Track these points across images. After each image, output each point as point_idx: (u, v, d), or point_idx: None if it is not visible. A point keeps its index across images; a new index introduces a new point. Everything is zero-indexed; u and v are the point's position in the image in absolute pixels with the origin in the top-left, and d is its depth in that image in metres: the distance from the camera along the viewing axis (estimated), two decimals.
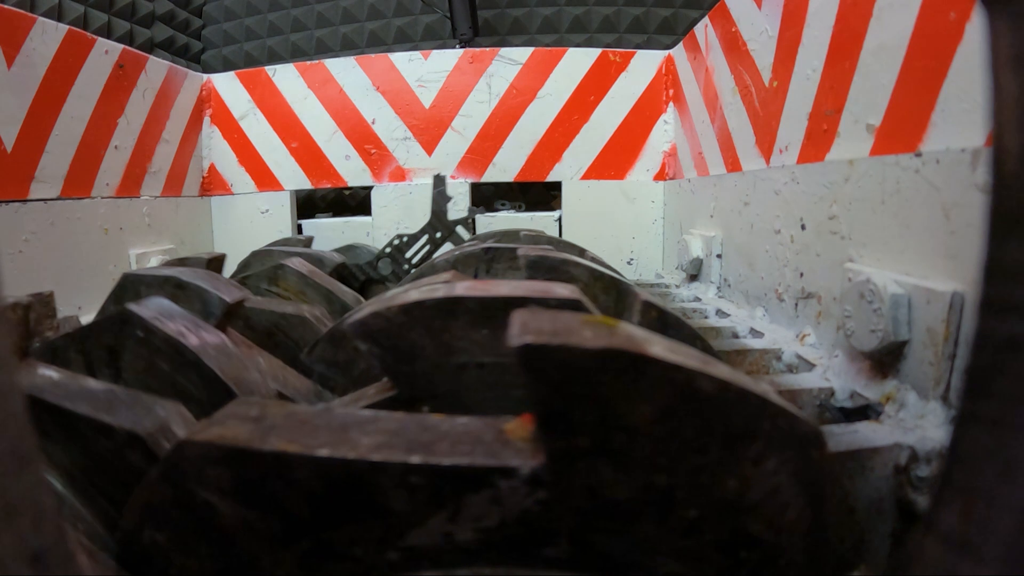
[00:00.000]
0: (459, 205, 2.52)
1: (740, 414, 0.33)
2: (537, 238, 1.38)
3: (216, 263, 1.17)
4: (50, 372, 0.54)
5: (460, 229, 1.73)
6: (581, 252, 1.33)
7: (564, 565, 0.37)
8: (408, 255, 1.71)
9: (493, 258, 0.85)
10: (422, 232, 1.72)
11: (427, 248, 1.72)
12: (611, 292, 0.77)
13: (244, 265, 1.51)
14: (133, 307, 0.67)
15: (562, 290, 0.53)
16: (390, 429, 0.36)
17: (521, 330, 0.32)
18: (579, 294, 0.53)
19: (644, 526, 0.36)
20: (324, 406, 0.40)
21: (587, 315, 0.36)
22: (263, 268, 1.21)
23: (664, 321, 0.68)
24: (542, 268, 0.79)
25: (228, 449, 0.35)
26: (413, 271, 1.15)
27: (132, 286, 0.89)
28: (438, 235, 1.72)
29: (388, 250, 1.69)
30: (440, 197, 1.72)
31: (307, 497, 0.34)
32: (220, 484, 0.35)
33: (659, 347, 0.33)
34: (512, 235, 1.42)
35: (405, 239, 1.70)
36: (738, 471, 0.35)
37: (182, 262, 1.15)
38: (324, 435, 0.35)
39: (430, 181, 1.80)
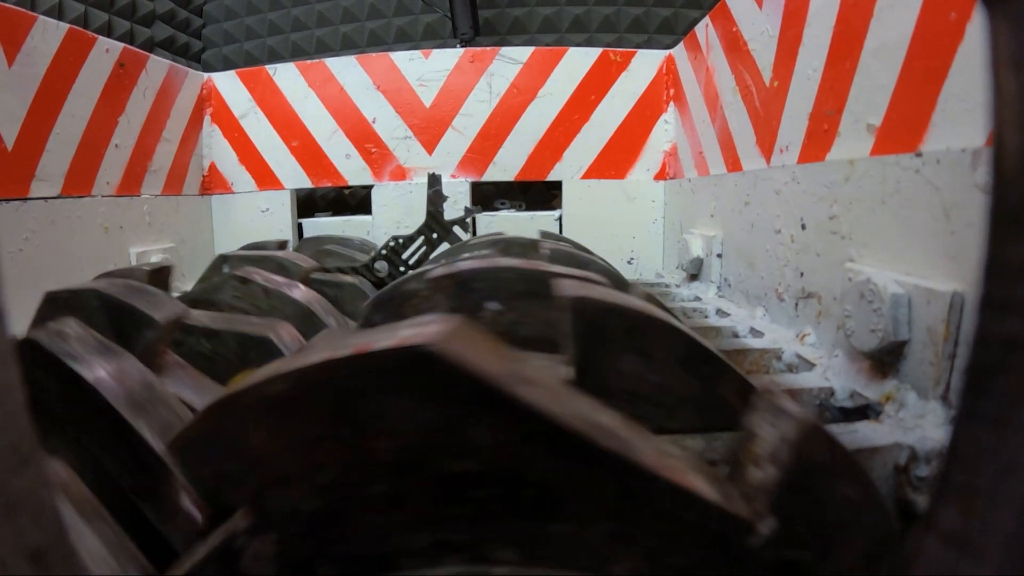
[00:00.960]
0: (460, 204, 2.52)
1: (325, 390, 0.33)
2: (454, 250, 1.39)
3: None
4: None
5: (457, 229, 1.72)
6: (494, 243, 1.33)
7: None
8: (404, 256, 1.70)
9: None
10: (418, 233, 1.70)
11: (423, 249, 1.71)
12: (452, 289, 0.77)
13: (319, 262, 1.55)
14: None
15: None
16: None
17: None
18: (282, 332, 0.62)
19: (347, 521, 0.37)
20: None
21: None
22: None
23: (457, 279, 0.69)
24: (386, 305, 0.79)
25: None
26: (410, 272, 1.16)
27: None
28: (434, 236, 1.70)
29: (384, 252, 1.68)
30: (435, 197, 1.70)
31: None
32: None
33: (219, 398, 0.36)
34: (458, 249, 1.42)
35: (401, 240, 1.69)
36: (372, 430, 0.34)
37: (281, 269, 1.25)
38: None
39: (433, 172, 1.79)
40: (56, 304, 0.75)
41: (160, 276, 0.92)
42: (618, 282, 1.05)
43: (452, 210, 2.00)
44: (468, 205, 2.25)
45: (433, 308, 0.71)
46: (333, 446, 0.35)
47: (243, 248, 1.71)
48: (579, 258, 1.09)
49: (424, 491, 0.36)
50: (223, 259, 1.33)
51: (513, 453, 0.34)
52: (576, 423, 0.34)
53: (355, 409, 0.34)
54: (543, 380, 0.36)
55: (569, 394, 0.36)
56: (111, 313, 0.69)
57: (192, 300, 1.03)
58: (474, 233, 2.56)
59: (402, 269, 1.69)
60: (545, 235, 1.55)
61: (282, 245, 1.66)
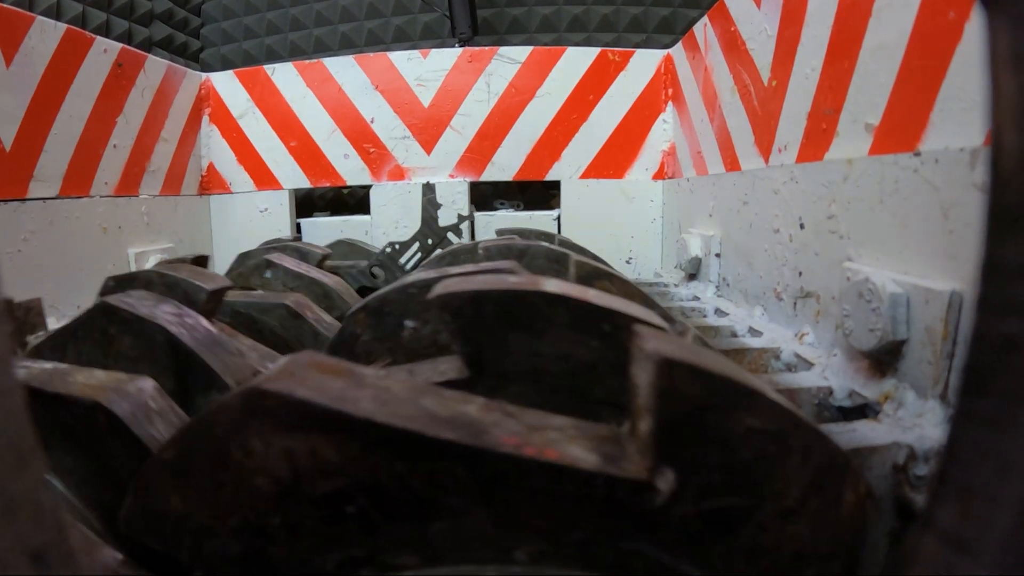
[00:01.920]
0: (459, 204, 2.52)
1: (204, 444, 0.37)
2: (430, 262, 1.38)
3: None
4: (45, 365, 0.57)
5: (451, 236, 1.75)
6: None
7: None
8: (401, 262, 1.73)
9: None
10: (413, 240, 1.75)
11: (419, 255, 1.74)
12: (369, 320, 0.77)
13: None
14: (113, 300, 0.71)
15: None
16: None
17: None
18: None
19: (268, 556, 0.40)
20: None
21: None
22: None
23: (368, 310, 0.70)
24: (339, 349, 0.78)
25: None
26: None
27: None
28: (429, 242, 1.75)
29: (381, 258, 1.72)
30: (430, 205, 1.75)
31: None
32: None
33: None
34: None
35: (397, 247, 1.73)
36: (248, 469, 0.37)
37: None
38: None
39: (428, 180, 1.83)
40: (110, 318, 0.72)
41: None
42: (559, 257, 1.02)
43: (451, 211, 2.00)
44: (461, 213, 2.28)
45: (368, 344, 0.71)
46: (227, 491, 0.38)
47: (279, 246, 1.61)
48: (516, 248, 1.03)
49: (310, 515, 0.38)
50: (268, 264, 1.33)
51: (361, 464, 0.36)
52: (401, 422, 0.35)
53: (228, 455, 0.37)
54: (389, 389, 0.37)
55: (418, 395, 0.37)
56: (181, 363, 0.69)
57: (237, 318, 1.04)
58: (472, 236, 2.56)
59: (398, 275, 1.71)
60: (500, 232, 1.53)
61: (325, 258, 1.60)
